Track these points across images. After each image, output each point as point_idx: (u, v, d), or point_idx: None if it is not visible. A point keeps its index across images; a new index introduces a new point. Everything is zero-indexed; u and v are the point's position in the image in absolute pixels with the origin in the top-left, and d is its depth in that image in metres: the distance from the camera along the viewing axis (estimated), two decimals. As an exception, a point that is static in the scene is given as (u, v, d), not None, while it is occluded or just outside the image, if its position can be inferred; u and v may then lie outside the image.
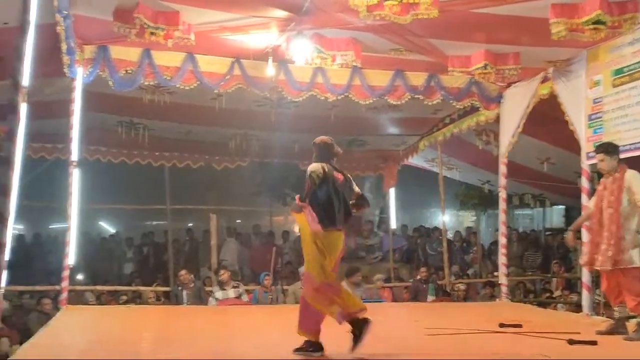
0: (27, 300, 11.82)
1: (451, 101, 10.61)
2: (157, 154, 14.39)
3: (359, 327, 5.72)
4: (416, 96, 10.39)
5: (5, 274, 5.20)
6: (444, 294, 12.34)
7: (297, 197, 6.04)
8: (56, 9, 6.83)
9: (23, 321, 10.79)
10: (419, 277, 12.66)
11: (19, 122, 4.97)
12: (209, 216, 13.55)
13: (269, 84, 9.89)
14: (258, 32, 8.68)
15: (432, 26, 7.89)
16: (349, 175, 6.28)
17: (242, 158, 15.04)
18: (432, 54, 9.31)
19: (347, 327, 5.72)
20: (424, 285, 12.26)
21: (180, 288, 11.28)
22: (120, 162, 14.48)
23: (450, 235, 16.38)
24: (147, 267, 16.08)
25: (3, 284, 5.31)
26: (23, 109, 5.15)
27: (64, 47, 8.09)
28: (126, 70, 9.29)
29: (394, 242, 15.90)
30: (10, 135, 4.98)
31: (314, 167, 5.96)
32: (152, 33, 7.95)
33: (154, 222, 20.67)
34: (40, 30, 5.60)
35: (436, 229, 17.25)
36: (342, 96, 10.21)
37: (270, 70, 9.51)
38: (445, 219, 14.90)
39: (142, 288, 12.76)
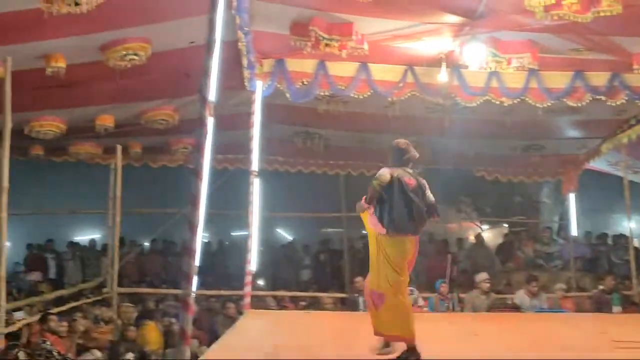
0: (214, 304, 12.40)
1: (637, 101, 10.02)
2: (332, 162, 14.67)
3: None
4: (598, 97, 9.91)
5: (195, 279, 5.49)
6: (632, 305, 11.63)
7: (363, 198, 6.03)
8: (238, 26, 7.16)
9: (210, 323, 11.38)
10: (603, 287, 12.02)
11: (206, 135, 5.23)
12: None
13: (442, 90, 9.81)
14: (431, 38, 8.66)
15: (616, 23, 7.50)
16: (423, 182, 6.17)
17: (415, 165, 14.95)
18: (615, 53, 8.85)
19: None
20: (609, 296, 11.63)
21: (356, 295, 11.41)
22: (297, 171, 14.94)
23: (638, 242, 15.43)
24: (323, 273, 16.39)
25: (194, 289, 5.60)
26: (210, 122, 5.41)
27: (244, 61, 8.47)
28: (302, 82, 9.58)
29: (575, 249, 15.19)
30: (199, 148, 5.27)
31: (380, 173, 5.92)
32: (326, 45, 8.17)
33: (330, 230, 21.06)
34: (224, 47, 5.87)
35: (622, 236, 16.29)
36: (518, 100, 9.94)
37: (443, 76, 9.42)
38: (632, 225, 14.07)
39: (320, 294, 13.02)
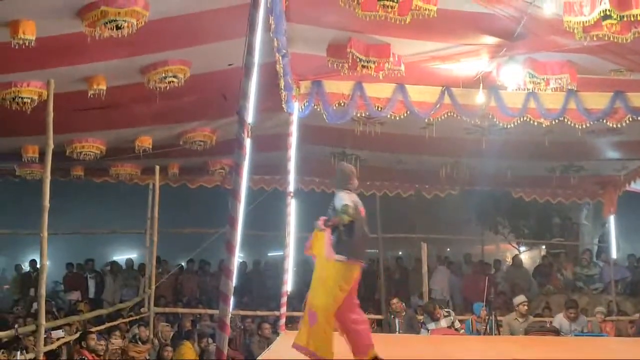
0: (250, 325, 12.42)
1: (679, 122, 9.86)
2: (368, 183, 14.64)
3: None
4: (639, 118, 9.78)
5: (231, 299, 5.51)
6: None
7: (322, 219, 6.15)
8: (276, 48, 7.22)
9: (246, 344, 11.39)
10: (647, 310, 11.79)
11: (244, 156, 5.27)
12: (419, 244, 13.54)
13: (479, 111, 9.75)
14: (468, 59, 8.63)
15: (657, 43, 7.40)
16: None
17: (452, 186, 14.97)
18: (657, 73, 8.72)
19: None
20: (652, 320, 11.41)
21: (392, 316, 11.34)
22: (333, 192, 14.91)
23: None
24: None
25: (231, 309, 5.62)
26: (248, 144, 5.45)
27: (282, 83, 8.52)
28: (339, 103, 9.60)
29: (616, 272, 14.91)
30: (237, 169, 5.30)
31: (347, 205, 5.96)
32: (363, 66, 8.18)
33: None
34: (261, 69, 5.92)
35: (666, 258, 15.98)
36: (557, 121, 9.84)
37: (480, 97, 9.40)
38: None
39: (355, 315, 12.92)
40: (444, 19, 6.99)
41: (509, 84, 8.83)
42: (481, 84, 9.25)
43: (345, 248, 5.97)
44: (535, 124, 9.93)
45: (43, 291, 7.63)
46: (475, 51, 8.39)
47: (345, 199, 6.05)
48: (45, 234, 7.52)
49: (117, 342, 10.02)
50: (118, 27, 6.80)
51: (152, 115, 10.58)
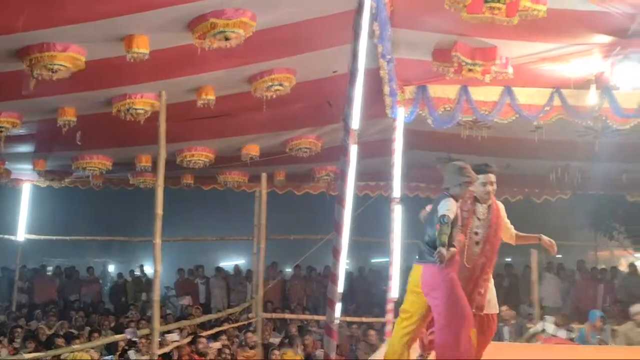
0: (355, 331, 12.42)
1: None
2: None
3: None
4: None
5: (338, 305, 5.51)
6: None
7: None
8: (380, 54, 7.19)
9: (352, 350, 11.40)
10: None
11: (349, 163, 5.27)
12: (528, 251, 13.18)
13: (591, 113, 9.41)
14: (579, 59, 8.34)
15: None
16: (436, 206, 5.78)
17: (563, 190, 14.55)
18: None
19: None
20: None
21: (501, 324, 11.08)
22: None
23: None
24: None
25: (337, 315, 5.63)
26: (353, 150, 5.45)
27: (386, 89, 8.49)
28: (444, 108, 9.48)
29: None
30: (343, 176, 5.31)
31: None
32: (469, 70, 8.05)
33: (472, 257, 20.43)
34: (366, 75, 5.91)
35: None
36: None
37: (592, 98, 9.06)
38: None
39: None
40: (554, 19, 6.80)
41: (624, 84, 8.48)
42: (594, 85, 8.91)
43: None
44: (652, 125, 9.50)
45: (157, 296, 7.87)
46: (587, 51, 8.10)
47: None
48: (159, 240, 7.75)
49: (215, 345, 10.21)
50: (227, 38, 6.93)
51: (259, 123, 10.78)
